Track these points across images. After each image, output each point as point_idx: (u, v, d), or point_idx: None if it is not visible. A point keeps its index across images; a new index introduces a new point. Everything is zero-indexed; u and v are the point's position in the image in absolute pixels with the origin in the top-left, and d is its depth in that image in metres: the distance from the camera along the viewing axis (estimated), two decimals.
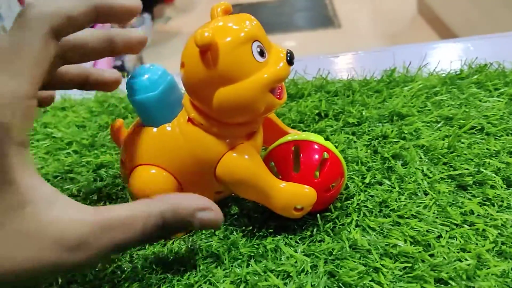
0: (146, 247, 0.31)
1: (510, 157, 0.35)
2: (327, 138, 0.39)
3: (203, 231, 0.32)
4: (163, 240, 0.31)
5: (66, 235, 0.21)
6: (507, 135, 0.38)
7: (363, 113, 0.41)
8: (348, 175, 0.35)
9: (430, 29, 2.64)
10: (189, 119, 0.29)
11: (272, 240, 0.31)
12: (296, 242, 0.30)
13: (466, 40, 0.57)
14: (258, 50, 0.26)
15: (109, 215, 0.23)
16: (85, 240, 0.22)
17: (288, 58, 0.26)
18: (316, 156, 0.29)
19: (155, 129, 0.30)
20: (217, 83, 0.26)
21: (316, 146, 0.30)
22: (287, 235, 0.31)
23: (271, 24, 2.98)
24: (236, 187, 0.29)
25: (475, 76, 0.45)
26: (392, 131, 0.39)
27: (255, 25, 0.26)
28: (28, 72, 0.23)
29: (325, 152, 0.30)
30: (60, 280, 0.29)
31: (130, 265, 0.30)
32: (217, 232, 0.32)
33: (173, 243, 0.31)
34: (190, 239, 0.31)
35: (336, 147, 0.38)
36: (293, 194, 0.29)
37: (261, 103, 0.26)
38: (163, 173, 0.29)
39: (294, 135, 0.31)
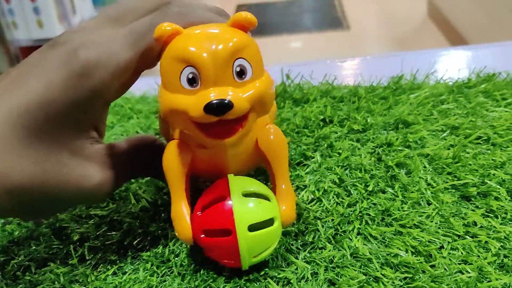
0: (147, 249, 0.31)
1: None
2: (331, 145, 0.39)
3: None
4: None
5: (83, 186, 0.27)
6: None
7: (368, 120, 0.41)
8: (351, 182, 0.35)
9: (439, 33, 2.62)
10: None
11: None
12: (298, 248, 0.30)
13: (476, 48, 0.56)
14: (189, 76, 0.24)
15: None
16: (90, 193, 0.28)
17: (208, 103, 0.23)
18: (217, 223, 0.27)
19: None
20: (161, 79, 0.26)
21: (227, 217, 0.26)
22: (288, 241, 0.31)
23: (279, 25, 2.98)
24: None
25: (483, 85, 0.45)
26: (397, 139, 0.39)
27: (213, 52, 0.24)
28: (135, 45, 0.26)
29: (230, 230, 0.26)
30: (62, 279, 0.29)
31: (132, 267, 0.30)
32: None
33: (174, 244, 0.32)
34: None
35: (340, 154, 0.38)
36: (175, 217, 0.28)
37: (175, 122, 0.26)
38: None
39: (235, 187, 0.27)
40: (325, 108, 0.44)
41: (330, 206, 0.33)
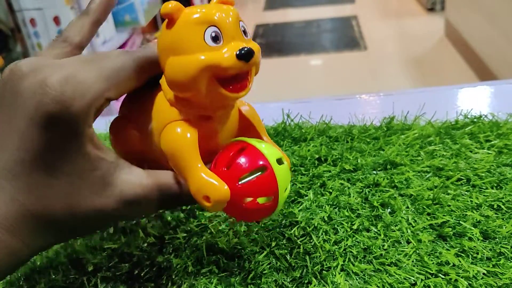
0: (153, 280, 0.35)
1: (491, 210, 0.38)
2: (323, 184, 0.43)
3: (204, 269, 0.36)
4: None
5: (124, 194, 0.29)
6: (492, 188, 0.40)
7: (359, 160, 0.45)
8: (338, 220, 0.38)
9: (456, 53, 2.64)
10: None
11: (266, 280, 0.34)
12: (287, 283, 0.34)
13: (469, 87, 0.59)
14: (213, 35, 0.27)
15: (149, 181, 0.30)
16: (137, 199, 0.29)
17: (239, 52, 0.27)
18: (251, 164, 0.29)
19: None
20: (168, 50, 0.28)
21: (258, 159, 0.29)
22: (279, 276, 0.34)
23: (297, 45, 3.03)
24: (167, 157, 0.30)
25: (469, 127, 0.48)
26: (384, 179, 0.42)
27: (224, 13, 0.28)
28: (112, 81, 0.28)
29: (264, 166, 0.29)
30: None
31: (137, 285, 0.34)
32: (216, 271, 0.35)
33: (176, 275, 0.35)
34: (192, 276, 0.35)
35: (330, 193, 0.41)
36: (204, 183, 0.28)
37: (199, 84, 0.27)
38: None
39: (256, 140, 0.30)
40: (320, 147, 0.47)
41: (318, 243, 0.37)
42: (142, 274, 0.36)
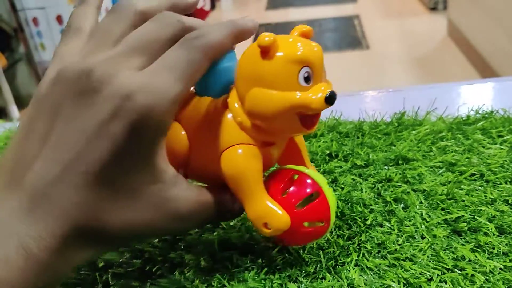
0: (165, 276, 0.35)
1: (506, 205, 0.38)
2: (335, 179, 0.42)
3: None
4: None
5: (179, 210, 0.28)
6: (506, 183, 0.40)
7: (370, 156, 0.44)
8: (351, 216, 0.38)
9: (459, 52, 2.64)
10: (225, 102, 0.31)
11: (279, 275, 0.34)
12: (301, 278, 0.34)
13: (479, 83, 0.59)
14: (305, 75, 0.28)
15: (206, 197, 0.30)
16: (190, 215, 0.29)
17: (328, 95, 0.28)
18: (307, 191, 0.31)
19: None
20: (257, 81, 0.28)
21: (312, 184, 0.31)
22: (292, 271, 0.34)
23: None
24: (226, 178, 0.30)
25: (481, 123, 0.48)
26: (396, 174, 0.42)
27: (316, 53, 0.29)
28: (186, 80, 0.27)
29: (317, 192, 0.31)
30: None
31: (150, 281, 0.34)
32: (229, 266, 0.35)
33: (188, 271, 0.35)
34: (205, 272, 0.35)
35: (342, 189, 0.41)
36: (267, 210, 0.30)
37: (284, 119, 0.28)
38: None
39: (302, 167, 0.32)
40: (331, 143, 0.47)
41: (332, 238, 0.36)
42: (154, 270, 0.36)
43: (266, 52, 0.28)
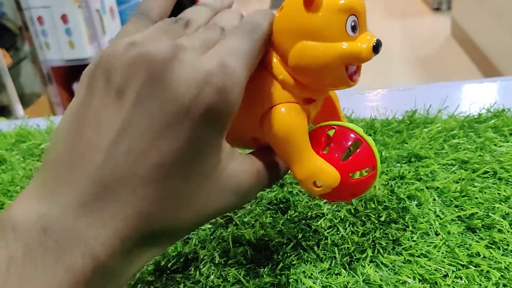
0: (180, 271, 0.35)
1: None
2: None
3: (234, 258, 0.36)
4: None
5: (240, 185, 0.26)
6: None
7: (383, 153, 0.44)
8: (365, 212, 0.38)
9: (462, 52, 2.63)
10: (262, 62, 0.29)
11: (294, 271, 0.34)
12: (316, 274, 0.34)
13: (489, 81, 0.59)
14: (352, 24, 0.27)
15: (260, 167, 0.28)
16: (249, 188, 0.27)
17: (375, 44, 0.27)
18: (348, 142, 0.30)
19: None
20: (302, 34, 0.27)
21: (351, 134, 0.30)
22: (307, 267, 0.34)
23: None
24: (272, 139, 0.29)
25: (493, 121, 0.48)
26: (409, 172, 0.42)
27: (360, 1, 0.27)
28: (249, 67, 0.26)
29: (358, 140, 0.30)
30: None
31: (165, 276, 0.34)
32: (243, 262, 0.35)
33: (204, 266, 0.35)
34: (220, 267, 0.35)
35: None
36: (318, 168, 0.28)
37: (332, 71, 0.27)
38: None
39: (336, 122, 0.31)
40: None
41: (346, 234, 0.37)
42: (169, 266, 0.36)
43: (310, 3, 0.26)
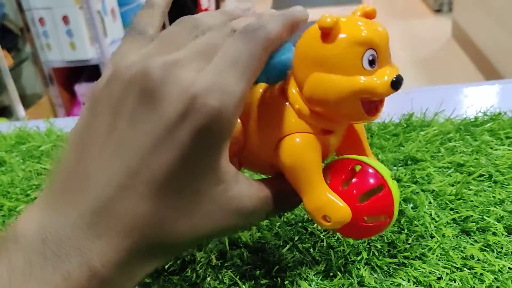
0: (177, 273, 0.36)
1: None
2: None
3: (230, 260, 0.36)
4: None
5: (243, 208, 0.27)
6: None
7: (379, 156, 0.45)
8: None
9: (463, 53, 2.64)
10: (282, 89, 0.29)
11: (290, 273, 0.34)
12: (311, 276, 0.34)
13: (486, 85, 0.59)
14: (370, 58, 0.26)
15: (267, 192, 0.28)
16: (253, 211, 0.27)
17: (394, 79, 0.26)
18: (370, 182, 0.29)
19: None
20: (318, 65, 0.26)
21: (376, 177, 0.29)
22: (303, 270, 0.34)
23: None
24: (283, 168, 0.29)
25: (489, 124, 0.48)
26: (405, 175, 0.42)
27: (382, 34, 0.27)
28: (249, 76, 0.25)
29: (382, 185, 0.29)
30: None
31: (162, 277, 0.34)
32: (240, 264, 0.36)
33: (200, 268, 0.36)
34: (216, 269, 0.35)
35: None
36: (328, 202, 0.28)
37: (346, 105, 0.27)
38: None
39: (364, 157, 0.30)
40: None
41: (342, 237, 0.37)
42: (166, 267, 0.36)
43: (327, 34, 0.26)
